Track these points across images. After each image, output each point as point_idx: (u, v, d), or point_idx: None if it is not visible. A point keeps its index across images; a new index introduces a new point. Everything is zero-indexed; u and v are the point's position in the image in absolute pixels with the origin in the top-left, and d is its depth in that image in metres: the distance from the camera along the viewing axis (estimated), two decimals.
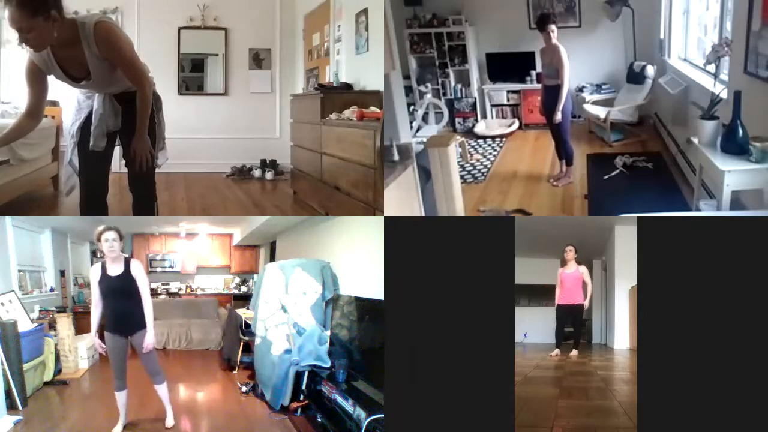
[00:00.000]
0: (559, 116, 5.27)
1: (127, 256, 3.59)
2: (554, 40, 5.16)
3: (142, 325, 3.53)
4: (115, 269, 3.49)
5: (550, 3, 7.33)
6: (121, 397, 3.61)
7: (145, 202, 3.38)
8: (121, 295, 3.49)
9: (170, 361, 6.49)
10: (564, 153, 5.56)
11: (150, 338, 3.54)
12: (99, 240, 3.49)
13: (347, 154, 4.37)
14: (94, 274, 3.54)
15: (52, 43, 2.84)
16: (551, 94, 5.30)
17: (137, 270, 3.54)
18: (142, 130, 3.11)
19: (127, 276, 3.49)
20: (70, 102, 3.35)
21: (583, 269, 5.74)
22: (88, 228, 7.68)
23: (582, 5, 7.22)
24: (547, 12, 4.99)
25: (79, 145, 3.21)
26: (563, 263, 5.85)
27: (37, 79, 3.00)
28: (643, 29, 6.80)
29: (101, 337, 3.59)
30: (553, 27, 5.13)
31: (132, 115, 3.12)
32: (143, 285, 3.55)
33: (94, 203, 3.26)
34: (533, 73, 7.56)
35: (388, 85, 4.24)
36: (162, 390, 3.72)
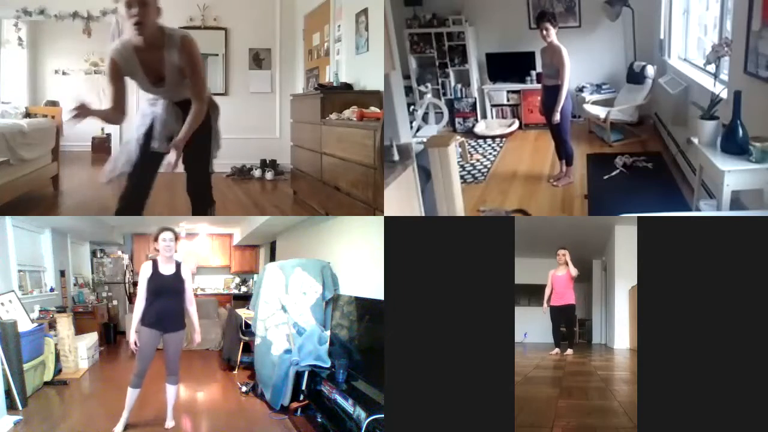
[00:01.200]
0: (557, 116, 5.25)
1: (178, 258, 3.75)
2: (551, 38, 5.13)
3: (181, 325, 3.71)
4: (168, 268, 3.67)
5: (550, 3, 7.33)
6: (132, 394, 3.61)
7: (201, 204, 3.58)
8: (171, 294, 3.66)
9: None
10: (564, 153, 5.56)
11: (198, 337, 3.81)
12: (156, 240, 3.67)
13: (347, 154, 4.37)
14: (144, 272, 3.66)
15: (153, 29, 3.09)
16: (551, 94, 5.29)
17: (187, 272, 3.74)
18: (185, 134, 3.26)
19: (178, 276, 3.69)
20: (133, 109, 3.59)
21: (571, 268, 5.77)
22: (88, 228, 7.74)
23: (582, 5, 7.22)
24: (545, 10, 4.95)
25: (141, 148, 3.39)
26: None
27: (118, 77, 3.22)
28: (643, 29, 6.80)
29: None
30: (548, 25, 5.08)
31: None
32: (190, 287, 3.75)
33: (135, 203, 3.41)
34: (533, 73, 7.56)
35: (388, 85, 4.24)
36: (172, 391, 3.77)
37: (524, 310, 6.73)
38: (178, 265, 3.70)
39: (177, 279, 3.67)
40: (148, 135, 3.36)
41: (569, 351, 5.69)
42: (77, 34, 7.38)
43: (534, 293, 6.97)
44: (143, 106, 3.44)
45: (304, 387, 4.19)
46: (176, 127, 3.33)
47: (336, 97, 5.09)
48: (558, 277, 5.79)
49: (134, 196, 3.40)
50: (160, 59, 3.18)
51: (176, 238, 3.71)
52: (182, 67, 3.21)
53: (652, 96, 6.45)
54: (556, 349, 5.75)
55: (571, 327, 6.08)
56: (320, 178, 5.04)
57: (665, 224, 2.78)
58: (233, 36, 7.62)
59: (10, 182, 4.85)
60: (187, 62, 3.20)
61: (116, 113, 3.28)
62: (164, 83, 3.25)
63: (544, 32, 5.10)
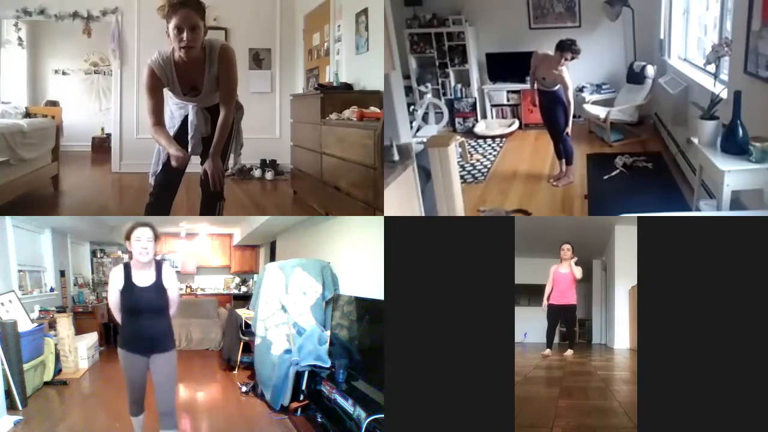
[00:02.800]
0: (569, 130, 5.42)
1: (159, 259, 2.96)
2: (564, 66, 5.20)
3: (170, 345, 2.87)
4: (144, 278, 2.84)
5: (550, 3, 7.33)
6: (137, 422, 2.97)
7: (211, 201, 3.52)
8: (150, 312, 2.82)
9: None
10: (564, 152, 5.58)
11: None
12: (128, 239, 2.84)
13: (347, 154, 4.36)
14: (114, 280, 2.82)
15: (199, 49, 3.10)
16: (549, 99, 5.41)
17: (170, 279, 2.90)
18: (216, 152, 3.28)
19: (159, 287, 2.84)
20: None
21: (576, 270, 5.64)
22: (88, 228, 7.74)
23: (582, 5, 7.23)
24: (572, 40, 5.10)
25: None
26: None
27: (157, 88, 3.21)
28: (643, 29, 6.80)
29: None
30: (569, 56, 5.13)
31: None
32: (174, 295, 2.92)
33: (162, 203, 3.42)
34: None
35: (388, 85, 4.24)
36: None
37: (524, 310, 6.72)
38: (158, 268, 2.87)
39: (158, 291, 2.83)
40: (177, 137, 3.35)
41: (569, 351, 5.62)
42: (77, 34, 7.37)
43: (534, 293, 6.97)
44: (171, 108, 3.44)
45: (304, 387, 4.20)
46: (206, 128, 3.37)
47: (336, 97, 5.08)
48: (561, 274, 5.55)
49: (162, 196, 3.41)
50: (199, 73, 3.20)
51: (156, 237, 2.87)
52: (218, 77, 3.23)
53: (652, 96, 6.45)
54: (548, 350, 5.57)
55: (571, 327, 5.99)
56: (320, 178, 5.04)
57: (665, 224, 2.78)
58: (233, 36, 7.59)
59: (10, 182, 4.84)
60: (222, 71, 3.22)
61: (162, 127, 3.25)
62: (199, 92, 3.27)
63: (564, 60, 5.16)
